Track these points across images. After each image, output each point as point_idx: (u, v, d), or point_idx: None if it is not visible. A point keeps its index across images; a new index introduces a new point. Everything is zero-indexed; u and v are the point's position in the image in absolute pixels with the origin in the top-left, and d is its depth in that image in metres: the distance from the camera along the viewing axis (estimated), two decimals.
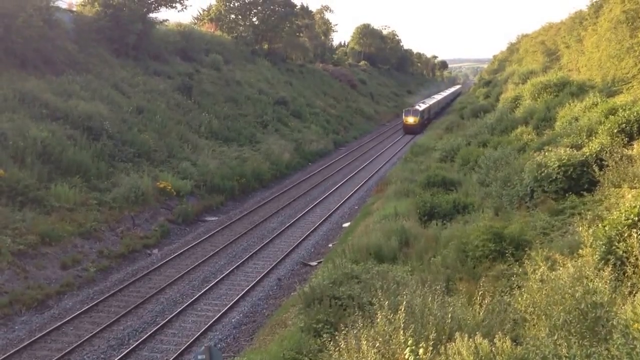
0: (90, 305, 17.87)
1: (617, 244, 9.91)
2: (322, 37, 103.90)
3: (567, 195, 16.44)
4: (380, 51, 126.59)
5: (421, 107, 70.77)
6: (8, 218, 19.81)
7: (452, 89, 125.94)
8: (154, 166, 29.79)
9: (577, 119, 24.21)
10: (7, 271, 17.95)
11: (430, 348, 7.54)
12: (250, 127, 43.90)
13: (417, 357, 7.46)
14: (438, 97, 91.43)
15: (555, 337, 7.53)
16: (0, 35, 29.30)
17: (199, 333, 16.24)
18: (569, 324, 7.84)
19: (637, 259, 9.35)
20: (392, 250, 17.60)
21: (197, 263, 21.89)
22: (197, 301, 18.60)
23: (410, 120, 65.73)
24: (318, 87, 73.89)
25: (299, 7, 78.42)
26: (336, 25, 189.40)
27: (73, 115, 27.79)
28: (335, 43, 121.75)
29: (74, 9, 41.55)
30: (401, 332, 8.28)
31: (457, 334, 7.89)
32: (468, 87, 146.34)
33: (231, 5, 69.93)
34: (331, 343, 9.18)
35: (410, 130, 64.39)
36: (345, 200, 32.90)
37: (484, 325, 8.89)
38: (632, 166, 15.29)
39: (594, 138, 19.12)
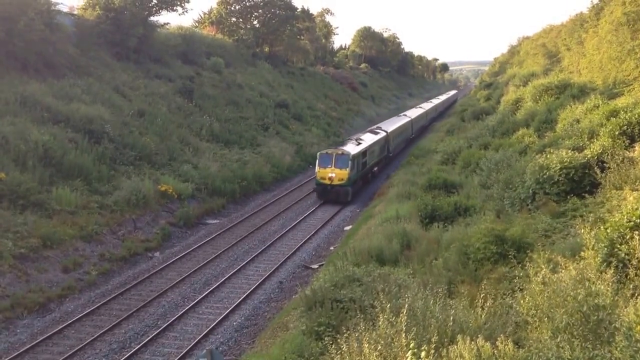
0: (92, 308, 17.88)
1: (619, 246, 9.90)
2: (323, 40, 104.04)
3: (568, 197, 16.44)
4: (381, 54, 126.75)
5: (361, 145, 35.13)
6: (9, 221, 19.84)
7: (443, 97, 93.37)
8: (155, 169, 29.81)
9: (578, 121, 24.18)
10: (9, 274, 17.95)
11: (432, 351, 7.53)
12: (251, 130, 43.91)
13: None
14: (412, 114, 57.39)
15: (558, 339, 7.52)
16: (1, 39, 29.40)
17: (200, 336, 16.25)
18: (572, 327, 7.83)
19: (639, 261, 9.33)
20: (394, 252, 17.62)
21: (198, 266, 21.89)
22: (198, 304, 18.61)
23: (331, 175, 31.85)
24: (319, 89, 73.93)
25: (299, 10, 78.59)
26: (337, 28, 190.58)
27: (74, 119, 27.84)
28: (336, 46, 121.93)
29: (75, 13, 41.69)
30: (403, 335, 8.27)
31: (459, 337, 7.88)
32: (469, 89, 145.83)
33: (232, 8, 70.10)
34: (333, 346, 9.18)
35: (332, 194, 31.98)
36: (347, 202, 32.85)
37: (486, 328, 8.88)
38: (634, 168, 15.29)
39: (595, 140, 19.12)
